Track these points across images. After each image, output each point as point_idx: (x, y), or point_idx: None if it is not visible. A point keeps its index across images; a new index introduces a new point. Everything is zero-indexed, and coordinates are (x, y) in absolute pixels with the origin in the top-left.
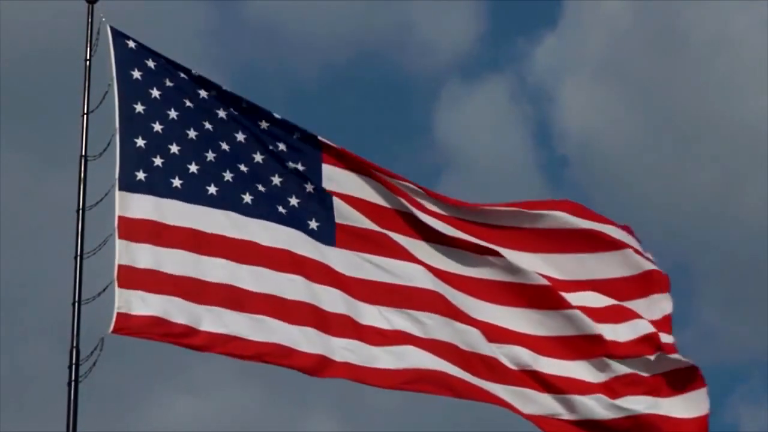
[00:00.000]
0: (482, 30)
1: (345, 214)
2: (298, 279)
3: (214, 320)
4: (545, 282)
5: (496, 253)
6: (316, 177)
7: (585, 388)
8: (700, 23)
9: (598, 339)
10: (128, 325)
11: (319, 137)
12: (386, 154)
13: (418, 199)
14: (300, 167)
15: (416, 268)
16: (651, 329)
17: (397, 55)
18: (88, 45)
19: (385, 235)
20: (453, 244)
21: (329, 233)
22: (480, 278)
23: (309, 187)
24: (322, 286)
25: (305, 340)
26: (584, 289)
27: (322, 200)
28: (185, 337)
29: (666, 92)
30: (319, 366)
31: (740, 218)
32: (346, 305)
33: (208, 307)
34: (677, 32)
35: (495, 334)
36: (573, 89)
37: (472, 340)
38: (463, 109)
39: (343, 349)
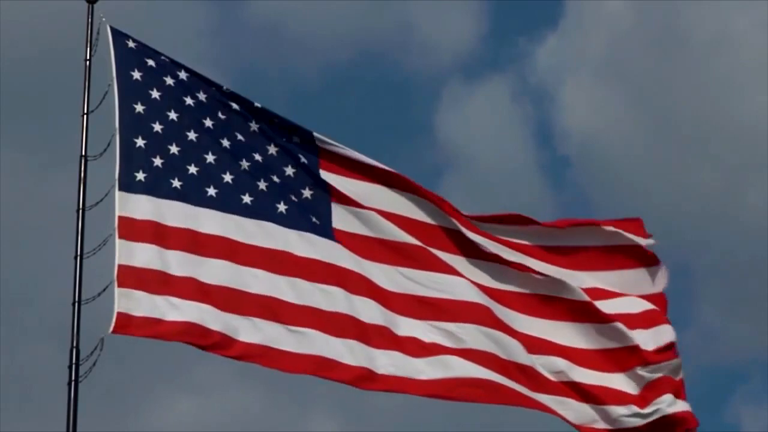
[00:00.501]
0: (483, 30)
1: (346, 219)
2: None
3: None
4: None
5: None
6: (315, 180)
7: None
8: (700, 23)
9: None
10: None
11: (319, 142)
12: (387, 154)
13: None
14: (299, 170)
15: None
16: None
17: (398, 55)
18: (88, 45)
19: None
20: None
21: (327, 236)
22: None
23: (306, 192)
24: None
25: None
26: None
27: (320, 204)
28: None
29: (666, 92)
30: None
31: (740, 218)
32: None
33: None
34: (677, 32)
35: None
36: (574, 89)
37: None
38: (464, 110)
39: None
